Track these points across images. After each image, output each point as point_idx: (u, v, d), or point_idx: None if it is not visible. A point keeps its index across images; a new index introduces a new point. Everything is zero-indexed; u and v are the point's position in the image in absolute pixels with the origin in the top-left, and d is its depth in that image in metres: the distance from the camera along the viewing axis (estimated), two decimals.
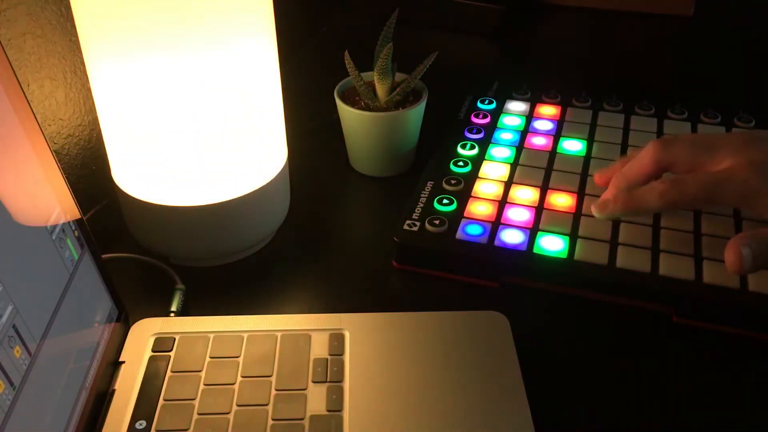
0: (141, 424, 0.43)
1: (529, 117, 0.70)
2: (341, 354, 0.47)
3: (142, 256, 0.57)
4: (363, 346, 0.48)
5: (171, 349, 0.48)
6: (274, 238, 0.60)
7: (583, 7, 0.96)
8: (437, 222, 0.56)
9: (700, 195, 0.50)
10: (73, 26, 0.49)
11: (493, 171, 0.62)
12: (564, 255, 0.54)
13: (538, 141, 0.66)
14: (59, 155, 0.59)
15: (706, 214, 0.56)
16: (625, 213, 0.53)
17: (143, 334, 0.49)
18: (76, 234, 0.45)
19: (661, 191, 0.51)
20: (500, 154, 0.64)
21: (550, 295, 0.54)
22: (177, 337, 0.48)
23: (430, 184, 0.61)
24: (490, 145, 0.66)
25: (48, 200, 0.42)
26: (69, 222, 0.44)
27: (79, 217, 0.45)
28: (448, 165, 0.63)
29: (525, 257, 0.54)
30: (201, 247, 0.56)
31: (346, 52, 0.63)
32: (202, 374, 0.46)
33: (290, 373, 0.46)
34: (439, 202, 0.58)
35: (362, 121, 0.64)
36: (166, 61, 0.47)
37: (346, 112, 0.65)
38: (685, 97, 0.72)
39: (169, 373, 0.46)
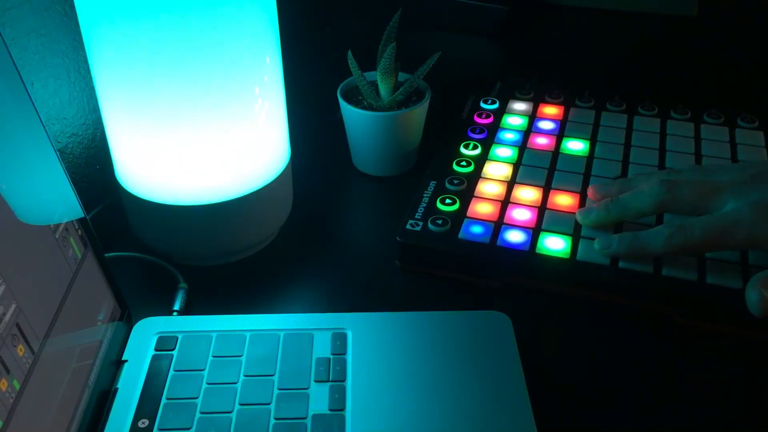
0: (143, 423, 0.43)
1: (532, 117, 0.70)
2: (344, 353, 0.47)
3: (145, 255, 0.57)
4: (365, 345, 0.48)
5: (174, 348, 0.48)
6: (277, 238, 0.60)
7: (585, 7, 0.96)
8: (440, 222, 0.56)
9: (708, 240, 0.50)
10: (77, 25, 0.49)
11: (496, 171, 0.62)
12: (566, 255, 0.54)
13: (541, 141, 0.66)
14: (63, 154, 0.60)
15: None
16: (627, 255, 0.52)
17: (146, 332, 0.49)
18: (80, 233, 0.45)
19: (668, 236, 0.51)
20: (503, 153, 0.64)
21: (552, 295, 0.54)
22: (180, 336, 0.48)
23: (432, 183, 0.61)
24: (493, 144, 0.66)
25: (51, 199, 0.42)
26: (72, 221, 0.44)
27: (83, 216, 0.45)
28: (451, 165, 0.63)
29: (527, 257, 0.54)
30: (204, 246, 0.56)
31: (350, 52, 0.63)
32: (205, 373, 0.46)
33: (293, 372, 0.46)
34: (442, 201, 0.58)
35: (365, 121, 0.64)
36: (170, 60, 0.47)
37: (349, 112, 0.65)
38: (688, 97, 0.72)
39: (171, 372, 0.46)
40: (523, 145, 0.65)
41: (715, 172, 0.54)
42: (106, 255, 0.47)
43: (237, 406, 0.44)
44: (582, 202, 0.58)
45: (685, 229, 0.50)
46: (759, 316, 0.47)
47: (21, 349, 0.36)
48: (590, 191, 0.59)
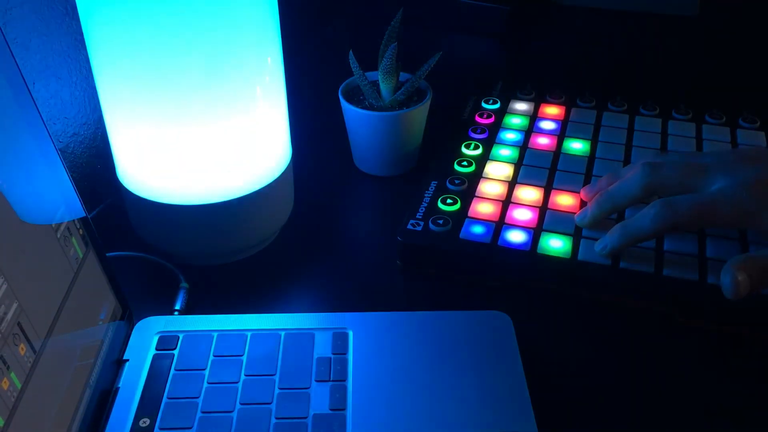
0: (144, 422, 0.43)
1: (533, 117, 0.70)
2: (345, 353, 0.47)
3: (146, 254, 0.57)
4: (366, 345, 0.48)
5: (175, 348, 0.48)
6: (278, 237, 0.60)
7: (587, 7, 0.96)
8: (441, 222, 0.56)
9: (694, 216, 0.50)
10: (79, 25, 0.49)
11: (497, 171, 0.62)
12: (568, 255, 0.54)
13: (542, 141, 0.66)
14: (64, 153, 0.60)
15: None
16: (623, 246, 0.52)
17: (147, 332, 0.49)
18: (81, 232, 0.45)
19: (653, 216, 0.50)
20: (504, 153, 0.64)
21: (553, 295, 0.54)
22: (181, 336, 0.48)
23: (434, 183, 0.61)
24: (494, 145, 0.66)
25: (53, 199, 0.42)
26: (74, 220, 0.44)
27: (84, 215, 0.45)
28: (452, 165, 0.63)
29: (529, 257, 0.54)
30: (205, 246, 0.56)
31: (351, 52, 0.63)
32: (206, 372, 0.46)
33: (294, 371, 0.46)
34: (443, 201, 0.58)
35: (366, 121, 0.64)
36: (171, 59, 0.47)
37: (351, 112, 0.65)
38: (690, 97, 0.72)
39: (172, 372, 0.46)
40: (524, 145, 0.65)
41: (700, 156, 0.54)
42: (107, 254, 0.47)
43: (238, 406, 0.44)
44: (583, 203, 0.58)
45: (672, 205, 0.50)
46: (732, 298, 0.48)
47: (22, 348, 0.36)
48: (582, 193, 0.59)
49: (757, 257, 0.49)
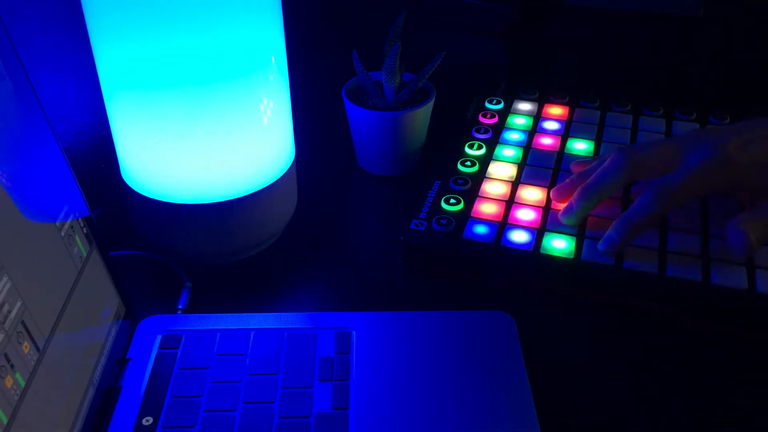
0: (148, 421, 0.43)
1: (537, 117, 0.69)
2: (347, 353, 0.47)
3: (149, 253, 0.57)
4: (369, 344, 0.48)
5: (178, 347, 0.48)
6: (281, 237, 0.60)
7: (590, 8, 0.96)
8: (444, 221, 0.56)
9: (690, 188, 0.50)
10: (84, 24, 0.49)
11: (501, 171, 0.62)
12: (571, 255, 0.54)
13: (546, 141, 0.66)
14: (69, 152, 0.60)
15: (713, 214, 0.56)
16: (628, 238, 0.52)
17: (150, 331, 0.49)
18: (85, 231, 0.45)
19: (652, 199, 0.51)
20: (508, 153, 0.64)
21: (556, 295, 0.54)
22: (184, 335, 0.49)
23: (437, 183, 0.61)
24: (498, 145, 0.66)
25: (57, 197, 0.42)
26: (77, 219, 0.44)
27: (88, 214, 0.46)
28: (456, 164, 0.63)
29: (532, 257, 0.54)
30: (208, 245, 0.56)
31: (355, 52, 0.63)
32: (209, 371, 0.46)
33: (296, 371, 0.46)
34: (446, 201, 0.58)
35: (370, 121, 0.64)
36: (176, 59, 0.47)
37: (354, 112, 0.65)
38: (693, 98, 0.72)
39: (176, 370, 0.46)
40: (527, 146, 0.65)
41: (668, 138, 0.55)
42: (111, 253, 0.48)
43: (241, 405, 0.44)
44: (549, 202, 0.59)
45: (666, 185, 0.51)
46: (742, 257, 0.49)
47: (26, 346, 0.36)
48: (553, 194, 0.58)
49: (758, 216, 0.50)
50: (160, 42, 0.47)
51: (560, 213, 0.56)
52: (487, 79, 0.77)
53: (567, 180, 0.58)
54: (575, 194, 0.55)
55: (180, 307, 0.53)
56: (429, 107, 0.65)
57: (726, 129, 0.53)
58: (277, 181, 0.56)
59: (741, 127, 0.53)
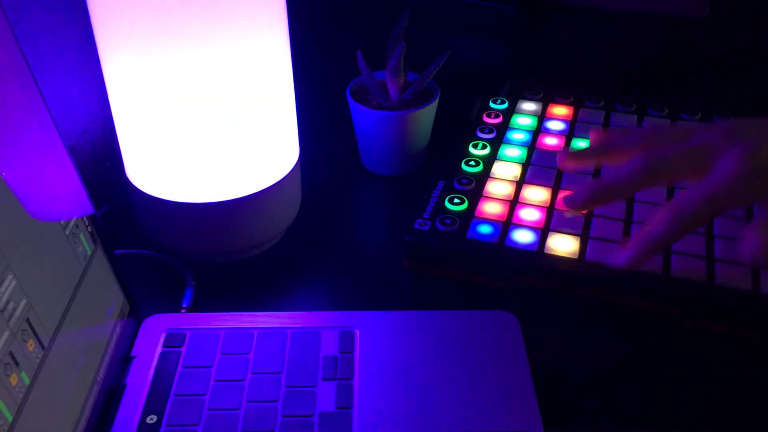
0: (152, 419, 0.43)
1: (541, 117, 0.69)
2: (351, 352, 0.47)
3: (154, 252, 0.57)
4: (373, 344, 0.48)
5: (182, 345, 0.48)
6: (286, 236, 0.60)
7: (595, 8, 0.96)
8: (448, 221, 0.56)
9: (708, 208, 0.46)
10: (89, 22, 0.50)
11: (505, 171, 0.62)
12: (575, 255, 0.54)
13: (550, 141, 0.66)
14: (73, 151, 0.60)
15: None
16: (646, 256, 0.48)
17: (154, 329, 0.49)
18: (90, 229, 0.45)
19: (670, 220, 0.47)
20: (512, 153, 0.64)
21: (560, 295, 0.54)
22: (188, 333, 0.49)
23: (441, 183, 0.61)
24: (502, 144, 0.66)
25: (62, 196, 0.43)
26: (82, 218, 0.44)
27: (93, 212, 0.46)
28: (460, 164, 0.63)
29: (536, 257, 0.54)
30: (212, 244, 0.56)
31: (359, 52, 0.63)
32: (213, 370, 0.46)
33: (300, 370, 0.46)
34: (451, 201, 0.58)
35: (374, 121, 0.64)
36: (180, 57, 0.47)
37: (359, 111, 0.65)
38: (697, 98, 0.72)
39: (180, 369, 0.46)
40: (532, 145, 0.65)
41: (688, 131, 0.50)
42: (115, 252, 0.48)
43: (245, 403, 0.44)
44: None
45: (681, 205, 0.47)
46: (753, 264, 0.46)
47: (31, 344, 0.37)
48: (567, 162, 0.54)
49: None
50: (165, 41, 0.47)
51: (565, 198, 0.51)
52: (492, 78, 0.76)
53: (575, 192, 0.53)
54: (586, 188, 0.50)
55: (184, 305, 0.53)
56: (433, 107, 0.65)
57: (757, 129, 0.48)
58: (282, 180, 0.56)
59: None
